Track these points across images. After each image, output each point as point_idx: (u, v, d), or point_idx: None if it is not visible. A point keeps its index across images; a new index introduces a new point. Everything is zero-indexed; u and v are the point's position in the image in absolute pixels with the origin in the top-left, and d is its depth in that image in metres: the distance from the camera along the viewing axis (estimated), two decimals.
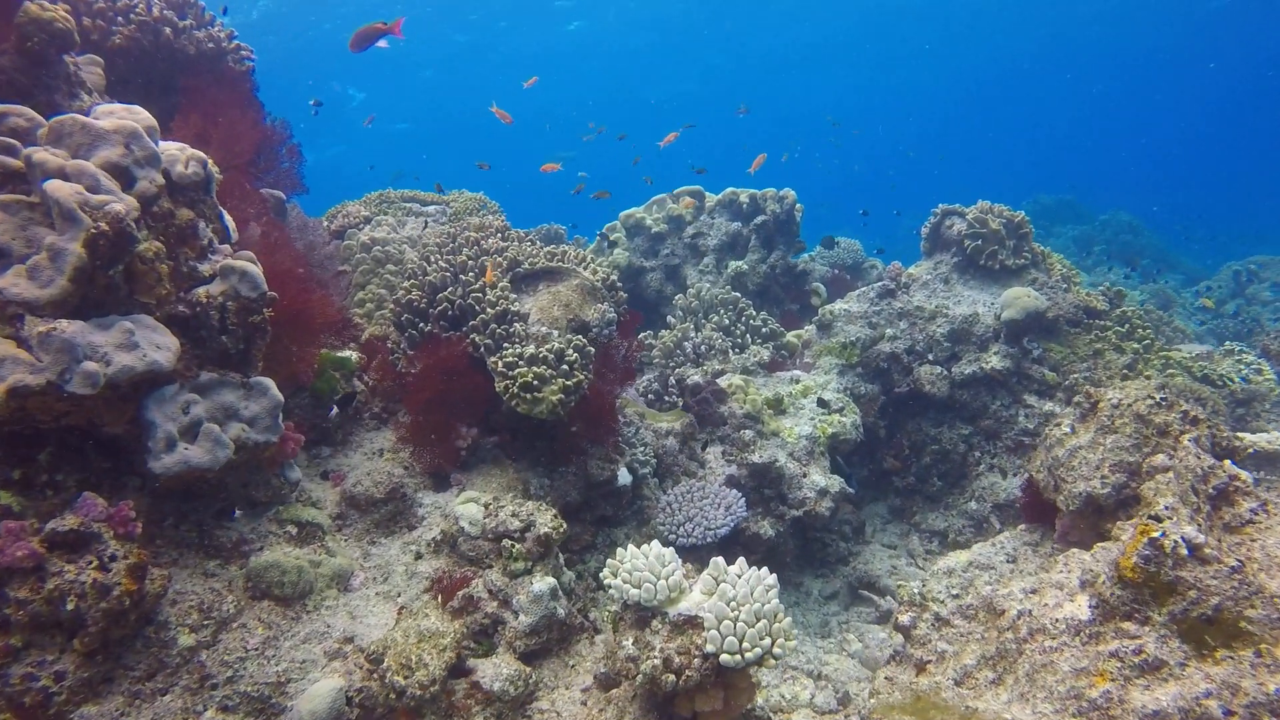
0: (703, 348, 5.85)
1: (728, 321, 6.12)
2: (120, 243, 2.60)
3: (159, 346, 2.68)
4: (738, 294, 6.35)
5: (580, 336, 3.86)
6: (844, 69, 35.14)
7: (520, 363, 3.66)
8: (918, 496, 5.99)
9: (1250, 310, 12.20)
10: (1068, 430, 3.48)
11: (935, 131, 50.45)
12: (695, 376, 5.35)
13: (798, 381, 5.66)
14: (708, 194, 7.80)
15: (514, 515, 3.24)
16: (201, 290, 2.97)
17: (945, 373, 5.74)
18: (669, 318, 6.47)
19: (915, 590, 3.40)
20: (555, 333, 3.86)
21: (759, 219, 7.25)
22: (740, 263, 7.20)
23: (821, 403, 5.41)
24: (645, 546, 2.80)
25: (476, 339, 3.81)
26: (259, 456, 3.11)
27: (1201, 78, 40.50)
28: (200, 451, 2.78)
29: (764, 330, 6.16)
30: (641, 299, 7.70)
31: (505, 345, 3.78)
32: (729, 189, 7.55)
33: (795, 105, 39.14)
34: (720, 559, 2.70)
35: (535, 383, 3.60)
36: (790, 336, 6.44)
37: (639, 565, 2.70)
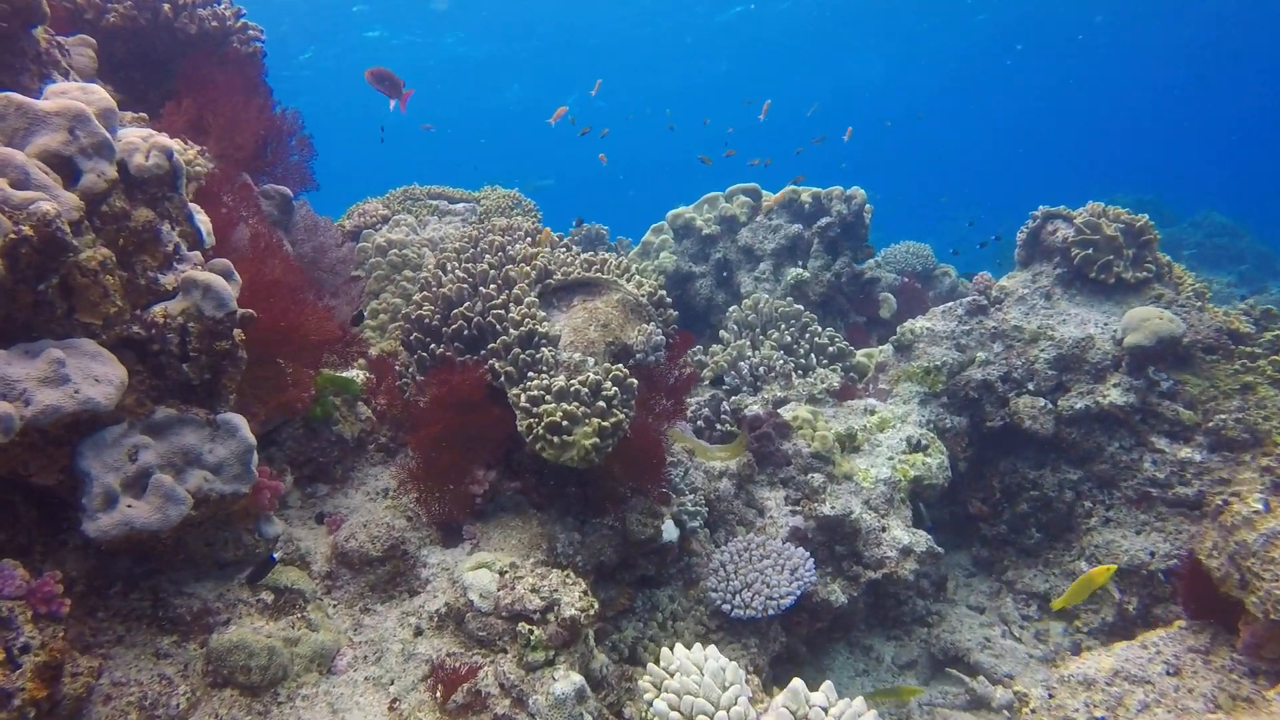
0: (761, 369, 5.40)
1: (789, 339, 5.66)
2: (50, 251, 2.22)
3: (98, 379, 2.30)
4: (800, 306, 5.88)
5: (621, 366, 3.42)
6: (903, 59, 34.35)
7: (548, 397, 3.24)
8: (1010, 549, 5.48)
9: None
10: (1259, 508, 2.96)
11: (1002, 126, 49.26)
12: (754, 407, 4.91)
13: (873, 413, 5.19)
14: (765, 193, 7.34)
15: (534, 591, 2.82)
16: (159, 309, 2.59)
17: (1049, 406, 5.23)
18: (721, 332, 6.03)
19: (1040, 698, 2.91)
20: (591, 360, 3.43)
21: (823, 221, 6.78)
22: (801, 270, 6.74)
23: (903, 440, 4.93)
24: (698, 652, 2.35)
25: (496, 365, 3.41)
26: (226, 509, 2.73)
27: None
28: (147, 510, 2.40)
29: (831, 349, 5.69)
30: (689, 308, 7.28)
31: (530, 374, 3.36)
32: (789, 186, 7.10)
33: (852, 97, 38.42)
34: (799, 684, 2.25)
35: (565, 423, 3.18)
36: (861, 357, 5.97)
37: (690, 685, 2.26)
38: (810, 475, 4.48)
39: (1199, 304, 5.52)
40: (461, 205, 5.72)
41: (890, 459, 4.87)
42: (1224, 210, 16.77)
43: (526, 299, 3.58)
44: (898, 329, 5.60)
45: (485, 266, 3.71)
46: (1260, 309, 5.72)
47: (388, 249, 4.46)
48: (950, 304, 5.61)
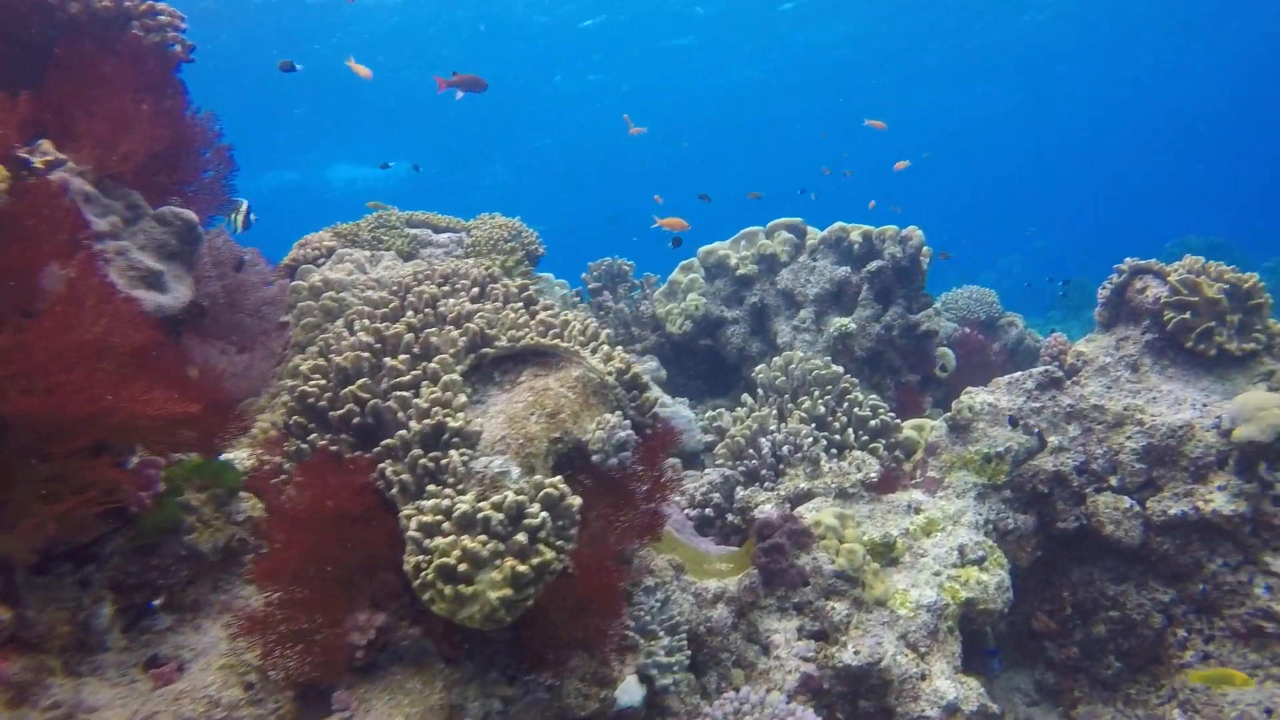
0: (785, 449, 4.23)
1: (823, 409, 4.49)
2: None
3: None
4: (840, 369, 4.71)
5: (558, 481, 2.32)
6: (968, 87, 32.55)
7: (445, 525, 2.15)
8: (1082, 676, 4.27)
9: None
10: None
11: (1064, 159, 46.79)
12: (767, 505, 3.79)
13: (918, 511, 4.01)
14: (810, 229, 6.17)
15: None
16: None
17: (1137, 509, 3.99)
18: (745, 396, 4.87)
19: None
20: (517, 470, 2.35)
21: (874, 265, 5.61)
22: (847, 320, 5.56)
23: (955, 550, 3.74)
24: None
25: (389, 470, 2.32)
26: None
27: None
28: None
29: (874, 422, 4.51)
30: (719, 358, 6.16)
31: (431, 486, 2.27)
32: (837, 224, 5.95)
33: (906, 126, 36.73)
34: None
35: (463, 567, 2.08)
36: (910, 430, 4.77)
37: None
38: (831, 604, 3.34)
39: None
40: (446, 236, 4.70)
41: (937, 575, 3.69)
42: None
43: (446, 376, 2.51)
44: (954, 405, 4.40)
45: (400, 329, 2.64)
46: None
47: (322, 290, 3.43)
48: (1018, 375, 4.39)
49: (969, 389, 4.50)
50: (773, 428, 4.50)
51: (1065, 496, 4.19)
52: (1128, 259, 4.66)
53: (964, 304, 7.21)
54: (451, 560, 2.12)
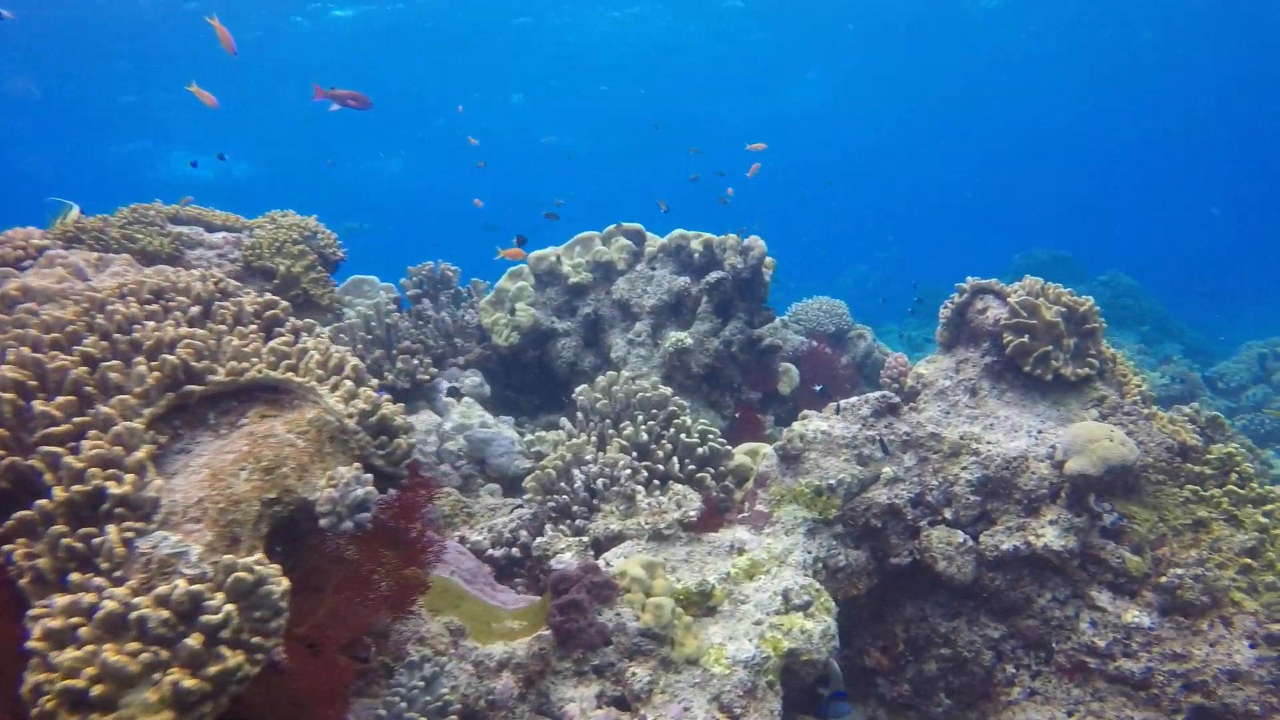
0: (599, 483, 3.78)
1: (646, 436, 4.05)
2: None
3: None
4: (668, 391, 4.30)
5: (259, 559, 1.77)
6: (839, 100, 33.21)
7: (86, 629, 1.57)
8: (913, 715, 3.97)
9: (1277, 401, 10.26)
10: None
11: (913, 178, 48.41)
12: (566, 554, 3.33)
13: (741, 552, 3.63)
14: (651, 235, 5.76)
15: None
16: None
17: (970, 543, 3.72)
18: (563, 420, 4.40)
19: None
20: (195, 549, 1.79)
21: (713, 276, 5.24)
22: (683, 335, 5.17)
23: (779, 595, 3.37)
24: None
25: (19, 553, 1.73)
26: None
27: (1205, 131, 38.96)
28: None
29: (701, 450, 4.10)
30: (549, 373, 5.66)
31: (75, 575, 1.69)
32: (677, 231, 5.56)
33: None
34: None
35: (100, 690, 1.51)
36: (741, 457, 4.41)
37: None
38: (632, 671, 2.87)
39: (1146, 411, 4.09)
40: (222, 236, 4.04)
41: (758, 624, 3.31)
42: (1129, 271, 15.75)
43: (120, 425, 1.91)
44: (784, 433, 4.03)
45: (67, 361, 2.02)
46: (1206, 417, 4.34)
47: (18, 300, 2.74)
48: (854, 400, 4.06)
49: (805, 413, 4.16)
50: (589, 457, 4.04)
51: (899, 530, 3.89)
52: (970, 278, 4.42)
53: (813, 316, 6.96)
54: (82, 682, 1.55)
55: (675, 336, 5.19)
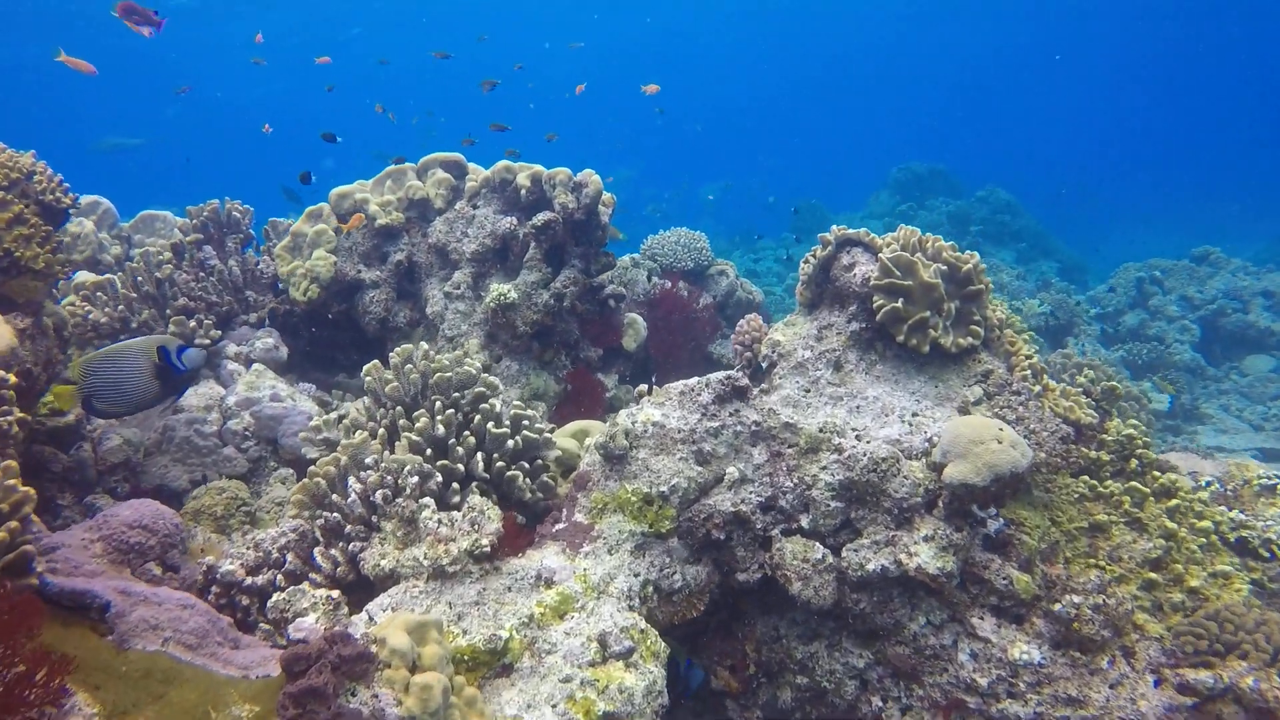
0: (379, 495, 2.88)
1: (443, 430, 3.14)
2: None
3: None
4: (474, 368, 3.38)
5: None
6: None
7: None
8: None
9: (1154, 327, 9.95)
10: None
11: (781, 90, 46.90)
12: (309, 615, 2.45)
13: (550, 584, 2.81)
14: (475, 167, 4.74)
15: None
16: None
17: (830, 559, 2.98)
18: (350, 407, 3.46)
19: None
20: None
21: (540, 218, 4.29)
22: (506, 288, 4.24)
23: (594, 641, 2.58)
24: None
25: None
26: None
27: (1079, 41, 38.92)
28: None
29: (513, 444, 3.22)
30: (358, 331, 4.65)
31: None
32: (502, 162, 4.56)
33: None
34: None
35: None
36: (567, 441, 3.58)
37: None
38: None
39: (1037, 387, 3.38)
40: None
41: (567, 681, 2.52)
42: (1007, 187, 15.34)
43: None
44: (608, 426, 3.17)
45: None
46: (1102, 387, 3.65)
47: None
48: (692, 383, 3.22)
49: (639, 402, 3.31)
50: (370, 460, 3.12)
51: (747, 541, 3.12)
52: (834, 226, 3.58)
53: (668, 250, 6.06)
54: None
55: (497, 290, 4.24)
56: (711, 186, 23.54)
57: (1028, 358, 3.42)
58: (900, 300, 3.31)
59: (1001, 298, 9.89)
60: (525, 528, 3.30)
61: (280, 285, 4.66)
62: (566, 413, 4.50)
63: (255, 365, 4.37)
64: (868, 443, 3.16)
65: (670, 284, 5.60)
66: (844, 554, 3.00)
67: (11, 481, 1.69)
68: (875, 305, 3.36)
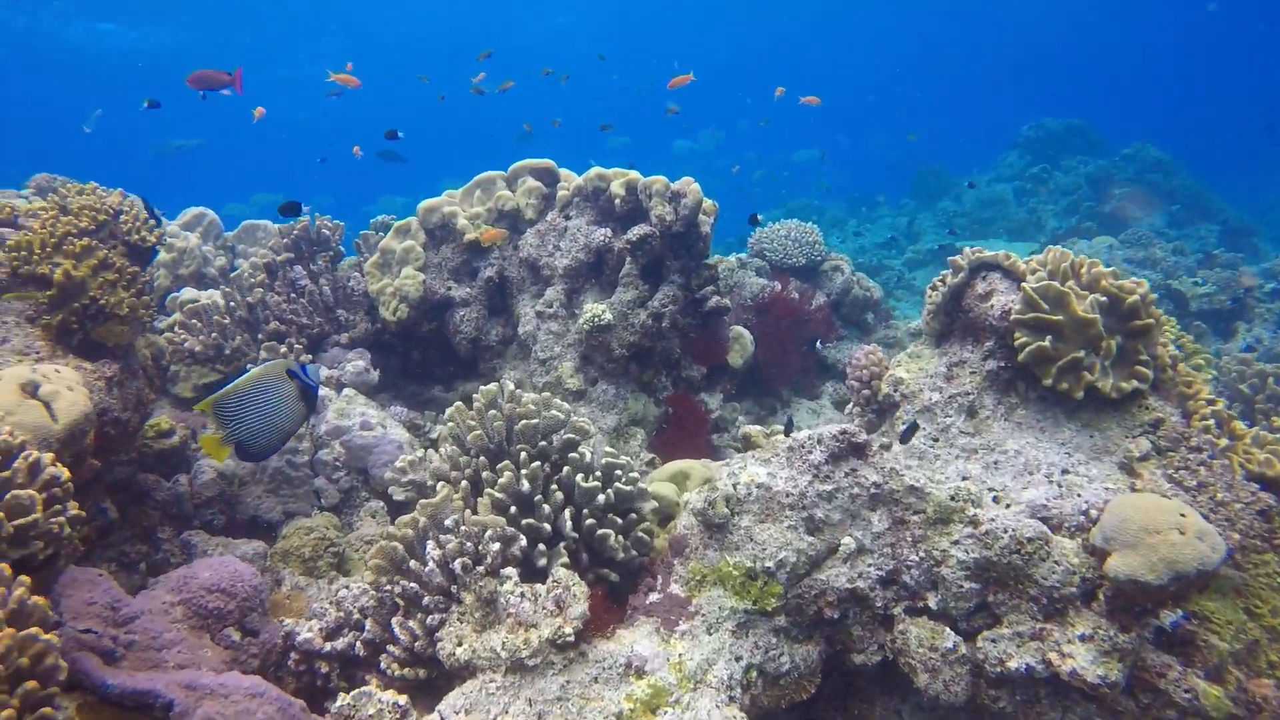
0: (458, 564, 2.64)
1: (528, 486, 2.88)
2: None
3: None
4: (562, 413, 3.09)
5: None
6: None
7: None
8: None
9: None
10: None
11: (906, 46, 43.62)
12: None
13: (641, 674, 2.51)
14: (566, 173, 4.43)
15: None
16: None
17: (962, 649, 2.57)
18: (430, 455, 3.23)
19: None
20: None
21: (636, 233, 3.94)
22: (600, 308, 3.94)
23: None
24: None
25: None
26: None
27: None
28: None
29: (604, 498, 2.93)
30: (448, 351, 4.44)
31: None
32: (594, 169, 4.20)
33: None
34: None
35: None
36: (663, 487, 3.25)
37: None
38: None
39: (1222, 440, 2.82)
40: None
41: None
42: (1159, 144, 13.90)
43: None
44: (706, 493, 2.82)
45: None
46: None
47: None
48: (803, 439, 2.82)
49: (739, 456, 2.95)
50: (450, 522, 2.88)
51: (865, 620, 2.74)
52: (967, 249, 3.09)
53: (778, 246, 5.60)
54: None
55: (591, 311, 3.93)
56: (808, 153, 22.47)
57: (1209, 403, 2.87)
58: (1048, 337, 2.82)
59: (1156, 276, 8.94)
60: (618, 586, 3.02)
61: (373, 302, 4.49)
62: (668, 437, 4.18)
63: (346, 390, 4.21)
64: (1007, 506, 2.71)
65: (780, 286, 5.17)
66: (980, 643, 2.58)
67: (33, 630, 1.51)
68: (1017, 342, 2.87)
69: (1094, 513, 2.56)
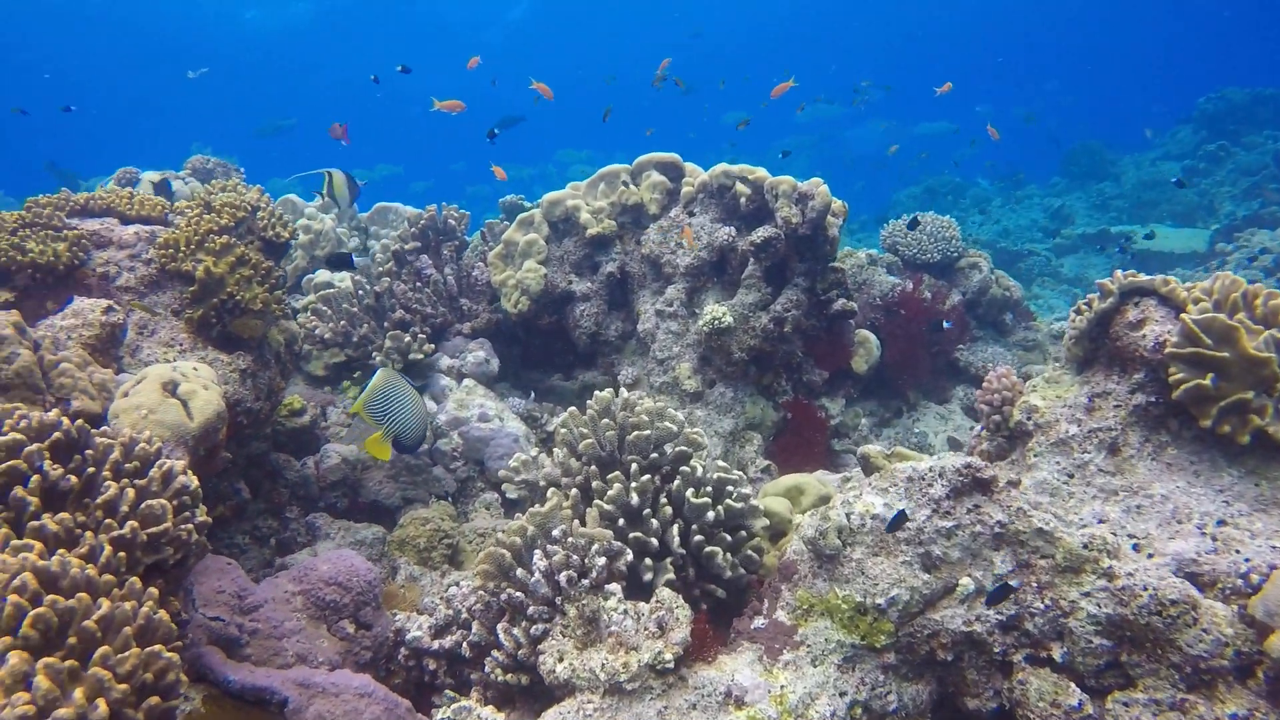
0: (563, 577, 2.65)
1: (637, 500, 2.86)
2: None
3: None
4: (675, 423, 3.04)
5: None
6: None
7: None
8: None
9: None
10: None
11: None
12: None
13: (741, 704, 2.47)
14: (691, 167, 4.34)
15: None
16: None
17: (1087, 710, 2.40)
18: (543, 459, 3.25)
19: None
20: None
21: (759, 234, 3.84)
22: (721, 310, 3.86)
23: None
24: None
25: None
26: None
27: None
28: None
29: (713, 514, 2.88)
30: (568, 343, 4.47)
31: None
32: (720, 165, 4.12)
33: None
34: None
35: None
36: (775, 503, 3.19)
37: None
38: None
39: None
40: (135, 230, 3.02)
41: None
42: None
43: None
44: (817, 522, 2.71)
45: None
46: None
47: None
48: (924, 468, 2.68)
49: (855, 485, 2.83)
50: (558, 532, 2.89)
51: (981, 665, 2.60)
52: (1117, 271, 2.83)
53: (913, 241, 5.34)
54: None
55: (711, 313, 3.85)
56: (937, 125, 21.31)
57: None
58: (1209, 375, 2.57)
59: None
60: (724, 603, 2.98)
61: (495, 292, 4.56)
62: (785, 443, 4.08)
63: (465, 381, 4.30)
64: (1149, 556, 2.51)
65: (912, 286, 4.94)
66: (1110, 704, 2.40)
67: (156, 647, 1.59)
68: (1172, 378, 2.63)
69: (1255, 577, 2.33)
